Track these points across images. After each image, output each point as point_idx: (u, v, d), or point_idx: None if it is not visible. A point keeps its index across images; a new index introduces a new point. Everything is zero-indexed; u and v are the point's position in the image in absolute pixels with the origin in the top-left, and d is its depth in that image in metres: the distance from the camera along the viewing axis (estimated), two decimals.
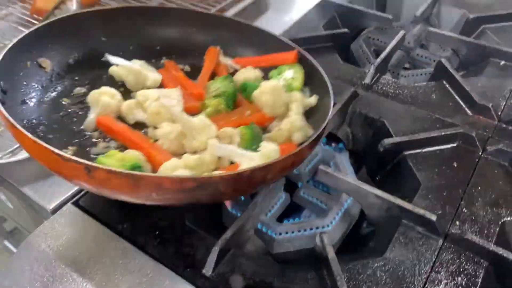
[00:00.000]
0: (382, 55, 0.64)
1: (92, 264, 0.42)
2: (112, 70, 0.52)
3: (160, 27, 0.56)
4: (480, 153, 0.52)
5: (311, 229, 0.46)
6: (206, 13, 0.59)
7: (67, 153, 0.34)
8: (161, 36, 0.56)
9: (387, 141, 0.52)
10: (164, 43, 0.56)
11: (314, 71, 0.50)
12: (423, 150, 0.52)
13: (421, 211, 0.43)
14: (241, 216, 0.43)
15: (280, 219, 0.49)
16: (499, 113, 0.57)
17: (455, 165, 0.51)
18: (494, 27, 0.73)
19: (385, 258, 0.42)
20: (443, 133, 0.53)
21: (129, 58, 0.53)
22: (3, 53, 0.43)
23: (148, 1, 0.81)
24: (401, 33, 0.69)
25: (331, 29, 0.74)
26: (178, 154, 0.43)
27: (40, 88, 0.48)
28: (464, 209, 0.46)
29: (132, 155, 0.41)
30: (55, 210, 0.48)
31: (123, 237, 0.44)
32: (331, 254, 0.40)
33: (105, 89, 0.47)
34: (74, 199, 0.48)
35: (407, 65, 0.76)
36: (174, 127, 0.44)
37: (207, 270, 0.41)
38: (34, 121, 0.45)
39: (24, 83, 0.46)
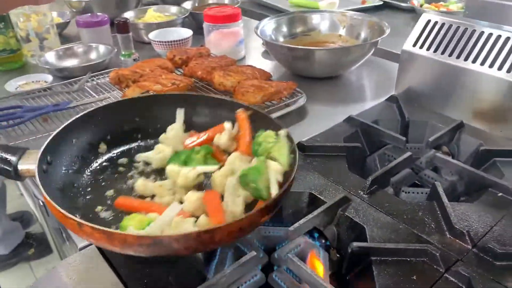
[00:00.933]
0: (381, 170, 0.73)
1: None
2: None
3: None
4: (442, 273, 0.56)
5: None
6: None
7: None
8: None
9: (356, 244, 0.59)
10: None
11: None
12: (389, 259, 0.58)
13: None
14: (210, 280, 0.53)
15: None
16: (477, 240, 0.61)
17: (414, 278, 0.55)
18: (504, 160, 0.78)
19: None
20: (410, 247, 0.58)
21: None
22: (53, 134, 0.61)
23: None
24: (407, 154, 0.77)
25: (351, 141, 0.85)
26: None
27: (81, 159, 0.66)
28: None
29: (149, 217, 0.54)
30: (82, 248, 0.63)
31: (121, 280, 0.57)
32: None
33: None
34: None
35: (418, 184, 0.82)
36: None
37: None
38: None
39: (69, 155, 0.64)
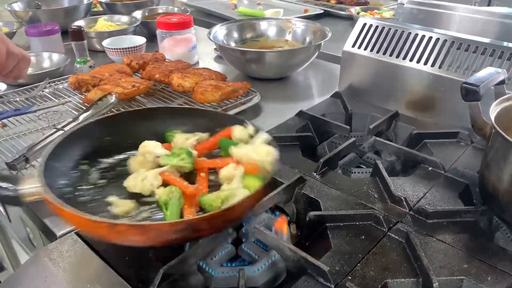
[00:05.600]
0: (330, 154, 0.83)
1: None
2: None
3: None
4: (386, 232, 0.66)
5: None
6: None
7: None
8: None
9: (313, 213, 0.68)
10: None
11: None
12: (341, 224, 0.67)
13: (317, 263, 0.57)
14: (186, 251, 0.59)
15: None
16: (413, 205, 0.72)
17: (363, 238, 0.65)
18: (433, 142, 0.90)
19: None
20: (358, 213, 0.68)
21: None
22: (46, 156, 0.60)
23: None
24: (352, 139, 0.87)
25: (301, 132, 0.94)
26: None
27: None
28: (358, 269, 0.59)
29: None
30: (61, 236, 0.67)
31: (103, 259, 0.61)
32: (241, 282, 0.55)
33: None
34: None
35: (363, 166, 0.93)
36: None
37: (153, 286, 0.56)
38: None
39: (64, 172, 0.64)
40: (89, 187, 0.64)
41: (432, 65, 0.97)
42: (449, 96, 0.96)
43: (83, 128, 0.70)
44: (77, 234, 0.66)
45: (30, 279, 0.61)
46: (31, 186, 0.54)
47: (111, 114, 0.77)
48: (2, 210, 1.01)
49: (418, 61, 0.99)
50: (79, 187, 0.63)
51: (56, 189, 0.58)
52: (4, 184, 0.53)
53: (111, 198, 0.61)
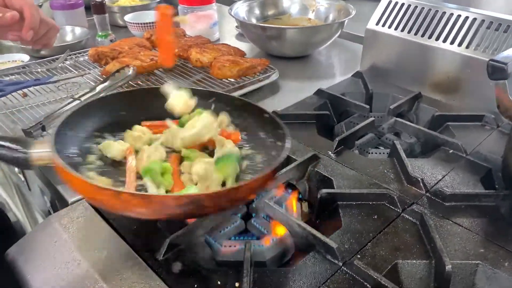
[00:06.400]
0: (347, 132, 0.80)
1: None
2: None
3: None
4: (399, 213, 0.64)
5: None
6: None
7: None
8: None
9: (324, 190, 0.66)
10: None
11: (276, 124, 0.65)
12: (353, 203, 0.65)
13: (325, 239, 0.56)
14: (194, 222, 0.59)
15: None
16: (430, 187, 0.69)
17: (375, 218, 0.63)
18: (456, 124, 0.87)
19: (290, 270, 0.54)
20: (371, 192, 0.66)
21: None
22: (61, 121, 0.59)
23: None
24: (371, 119, 0.85)
25: (318, 111, 0.92)
26: None
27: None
28: (368, 248, 0.58)
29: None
30: (73, 203, 0.67)
31: (112, 227, 0.61)
32: (247, 254, 0.54)
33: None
34: None
35: (381, 147, 0.90)
36: None
37: (159, 255, 0.56)
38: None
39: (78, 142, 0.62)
40: (98, 159, 0.64)
41: (459, 45, 0.93)
42: (475, 77, 0.91)
43: (100, 100, 0.69)
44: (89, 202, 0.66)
45: (40, 242, 0.62)
46: (41, 150, 0.54)
47: (129, 89, 0.76)
48: (22, 177, 1.04)
49: (444, 40, 0.95)
50: (89, 158, 0.63)
51: (66, 157, 0.58)
52: (15, 146, 0.53)
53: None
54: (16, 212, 1.86)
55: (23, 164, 0.54)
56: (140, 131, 0.64)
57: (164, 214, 0.53)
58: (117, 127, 0.67)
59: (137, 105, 0.70)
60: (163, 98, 0.67)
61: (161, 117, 0.67)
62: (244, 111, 0.70)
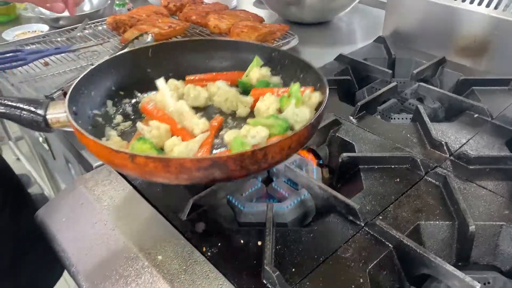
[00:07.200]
0: (369, 97, 0.79)
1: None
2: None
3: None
4: (422, 176, 0.63)
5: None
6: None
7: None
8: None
9: (345, 154, 0.65)
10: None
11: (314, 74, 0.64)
12: (375, 167, 0.65)
13: (347, 201, 0.56)
14: (216, 184, 0.60)
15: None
16: (454, 150, 0.68)
17: (397, 181, 0.63)
18: (481, 89, 0.84)
19: (313, 229, 0.55)
20: (394, 155, 0.65)
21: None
22: (75, 83, 0.57)
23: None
24: (393, 84, 0.83)
25: (339, 76, 0.90)
26: None
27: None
28: (390, 210, 0.58)
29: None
30: (97, 166, 0.69)
31: (140, 193, 0.63)
32: (269, 215, 0.55)
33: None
34: None
35: (404, 113, 0.88)
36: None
37: (183, 215, 0.57)
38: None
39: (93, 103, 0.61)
40: (118, 121, 0.63)
41: (487, 6, 0.89)
42: (504, 40, 0.88)
43: (117, 58, 0.66)
44: None
45: (67, 205, 0.63)
46: (58, 111, 0.54)
47: (152, 44, 0.71)
48: (46, 146, 1.06)
49: (471, 1, 0.91)
50: (110, 120, 0.63)
51: (87, 119, 0.58)
52: (32, 108, 0.53)
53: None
54: (42, 183, 1.92)
55: (42, 126, 0.54)
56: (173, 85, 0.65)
57: (184, 178, 0.47)
58: (141, 87, 0.67)
59: (161, 61, 0.68)
60: (187, 53, 0.69)
61: (186, 72, 0.69)
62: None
